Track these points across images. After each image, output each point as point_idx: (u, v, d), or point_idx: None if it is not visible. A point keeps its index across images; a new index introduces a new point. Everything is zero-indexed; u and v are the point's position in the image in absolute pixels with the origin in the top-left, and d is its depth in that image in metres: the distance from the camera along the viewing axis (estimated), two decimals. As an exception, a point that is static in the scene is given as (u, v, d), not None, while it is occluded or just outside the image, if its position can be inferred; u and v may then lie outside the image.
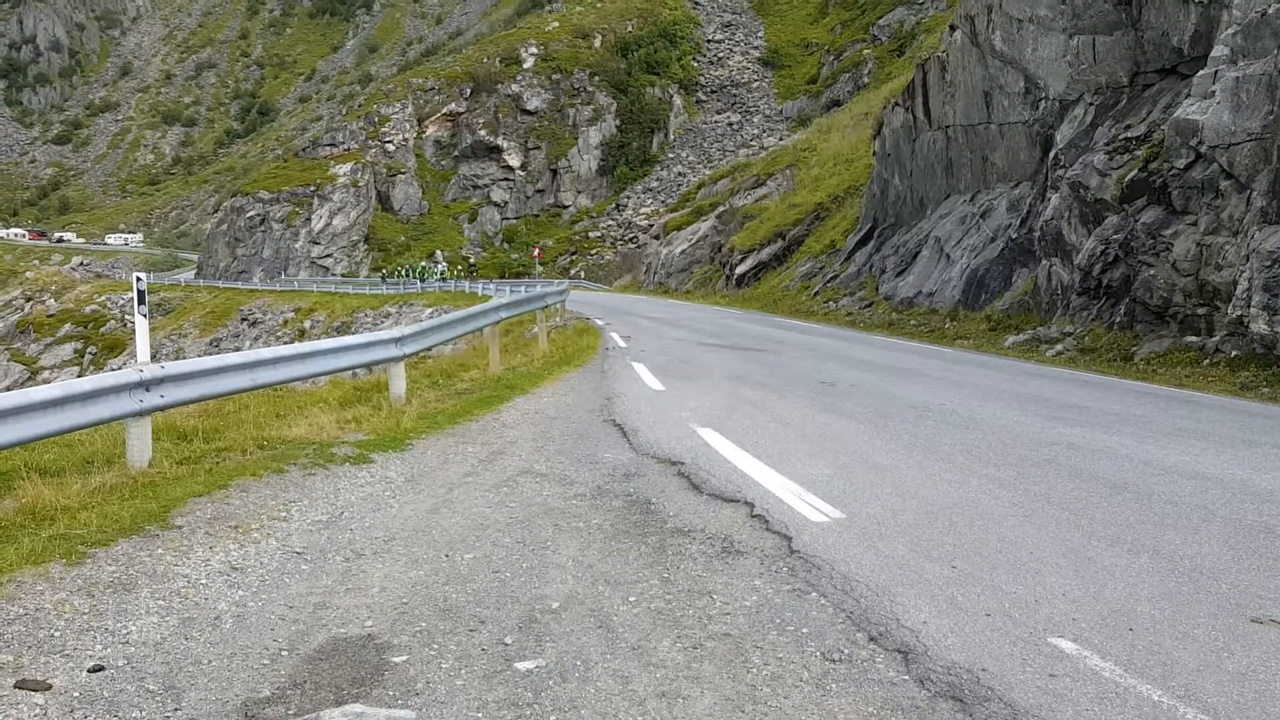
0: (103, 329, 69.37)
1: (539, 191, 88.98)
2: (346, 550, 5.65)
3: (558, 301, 22.77)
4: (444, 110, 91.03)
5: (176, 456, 7.62)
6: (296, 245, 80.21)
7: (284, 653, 4.18)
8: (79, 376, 11.30)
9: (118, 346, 64.16)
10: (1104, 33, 18.96)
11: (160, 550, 5.38)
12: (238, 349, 48.07)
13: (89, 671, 3.93)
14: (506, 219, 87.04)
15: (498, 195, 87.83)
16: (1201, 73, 14.90)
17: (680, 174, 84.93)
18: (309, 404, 10.80)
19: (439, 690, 3.78)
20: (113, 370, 7.74)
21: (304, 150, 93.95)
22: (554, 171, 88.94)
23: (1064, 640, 4.00)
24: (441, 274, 59.31)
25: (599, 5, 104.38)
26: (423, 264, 68.34)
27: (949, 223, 24.89)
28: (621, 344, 18.47)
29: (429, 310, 41.50)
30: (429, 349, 12.91)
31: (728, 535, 5.70)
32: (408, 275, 60.36)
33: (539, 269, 66.87)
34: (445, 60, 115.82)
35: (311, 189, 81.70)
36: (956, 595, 4.54)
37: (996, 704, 3.49)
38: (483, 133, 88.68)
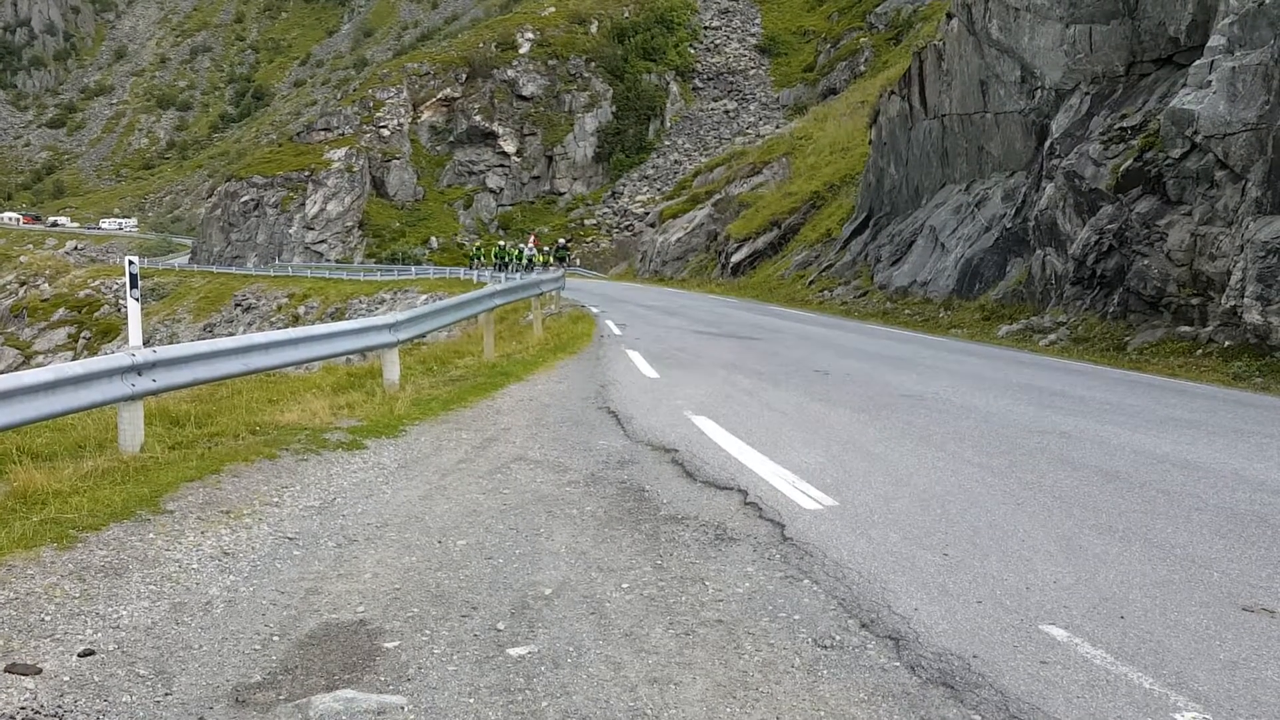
0: (97, 313, 69.26)
1: (534, 178, 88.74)
2: (339, 536, 5.64)
3: (553, 289, 22.75)
4: (439, 95, 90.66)
5: (169, 441, 7.60)
6: (291, 230, 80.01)
7: (275, 638, 4.18)
8: (72, 361, 11.23)
9: (112, 331, 64.05)
10: (1101, 22, 18.91)
11: (151, 535, 5.37)
12: (231, 334, 47.96)
13: (79, 656, 3.93)
14: (502, 205, 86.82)
15: (493, 181, 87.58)
16: (1198, 62, 14.87)
17: (676, 162, 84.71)
18: (302, 389, 10.78)
19: (431, 676, 3.78)
20: (106, 354, 7.69)
21: (298, 135, 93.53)
22: (550, 158, 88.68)
23: (1055, 628, 4.00)
24: (529, 260, 43.38)
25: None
26: (501, 243, 50.66)
27: (944, 212, 24.87)
28: (616, 331, 18.45)
29: (423, 296, 41.43)
30: (423, 335, 12.88)
31: (721, 522, 5.69)
32: (505, 263, 45.44)
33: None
34: (441, 45, 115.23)
35: (306, 174, 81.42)
36: (948, 583, 4.55)
37: (987, 690, 3.50)
38: (478, 118, 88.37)
